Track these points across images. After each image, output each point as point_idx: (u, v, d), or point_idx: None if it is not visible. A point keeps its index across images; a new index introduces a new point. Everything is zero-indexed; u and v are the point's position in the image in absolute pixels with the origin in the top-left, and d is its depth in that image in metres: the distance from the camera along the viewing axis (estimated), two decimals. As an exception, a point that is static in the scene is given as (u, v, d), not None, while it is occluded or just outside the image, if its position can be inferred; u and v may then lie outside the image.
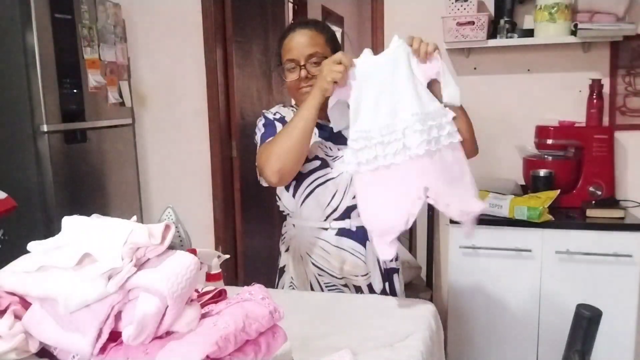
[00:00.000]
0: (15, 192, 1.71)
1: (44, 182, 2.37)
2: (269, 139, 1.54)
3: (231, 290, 1.14)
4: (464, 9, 2.42)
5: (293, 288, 1.69)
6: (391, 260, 1.65)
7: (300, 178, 1.59)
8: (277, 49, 1.61)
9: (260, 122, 1.66)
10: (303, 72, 1.52)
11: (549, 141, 2.40)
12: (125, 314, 0.89)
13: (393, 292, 1.65)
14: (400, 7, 2.67)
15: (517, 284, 2.22)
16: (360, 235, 1.59)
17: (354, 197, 1.53)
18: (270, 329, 0.96)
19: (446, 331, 2.26)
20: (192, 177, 3.08)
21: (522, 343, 2.25)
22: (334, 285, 1.63)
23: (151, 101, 3.10)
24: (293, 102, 1.72)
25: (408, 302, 1.49)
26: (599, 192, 2.34)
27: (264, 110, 1.69)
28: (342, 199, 1.56)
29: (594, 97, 2.40)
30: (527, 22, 2.52)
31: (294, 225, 1.66)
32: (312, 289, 1.65)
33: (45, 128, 2.34)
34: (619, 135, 2.47)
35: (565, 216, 2.22)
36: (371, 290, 1.62)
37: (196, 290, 0.99)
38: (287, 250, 1.70)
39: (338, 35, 5.76)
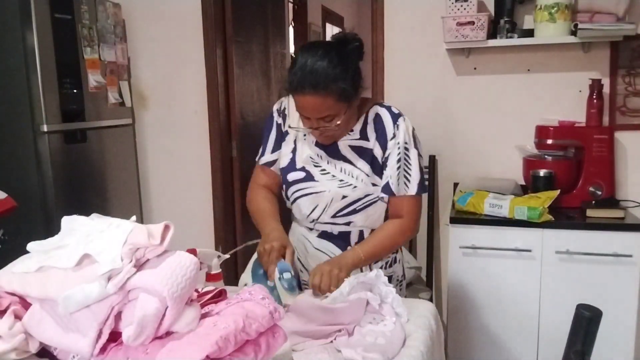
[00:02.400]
0: (15, 192, 1.71)
1: (44, 182, 2.37)
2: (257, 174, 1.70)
3: (231, 290, 1.14)
4: (464, 9, 2.42)
5: None
6: (380, 267, 1.62)
7: (287, 184, 1.63)
8: (288, 89, 1.50)
9: (267, 123, 1.69)
10: (317, 132, 1.51)
11: (549, 141, 2.40)
12: (125, 315, 0.89)
13: None
14: (400, 7, 2.67)
15: (517, 284, 2.22)
16: (342, 240, 1.60)
17: (333, 216, 1.57)
18: (270, 329, 0.96)
19: (446, 331, 2.26)
20: (192, 177, 3.08)
21: (522, 343, 2.25)
22: (304, 283, 1.65)
23: (151, 101, 3.10)
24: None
25: (408, 302, 1.48)
26: (599, 192, 2.34)
27: (275, 104, 1.70)
28: (321, 213, 1.58)
29: (594, 97, 2.40)
30: (527, 22, 2.52)
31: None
32: None
33: (45, 128, 2.34)
34: (619, 135, 2.47)
35: (565, 216, 2.22)
36: None
37: (196, 290, 0.99)
38: None
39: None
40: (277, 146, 1.66)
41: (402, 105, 2.79)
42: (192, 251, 1.25)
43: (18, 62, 2.30)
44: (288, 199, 1.66)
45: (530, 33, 2.42)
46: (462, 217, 2.27)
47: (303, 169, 1.58)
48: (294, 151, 1.62)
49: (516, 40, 2.43)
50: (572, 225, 2.16)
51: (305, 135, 1.60)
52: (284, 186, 1.65)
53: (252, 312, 0.93)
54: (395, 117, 1.55)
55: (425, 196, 2.73)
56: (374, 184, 1.55)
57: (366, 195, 1.55)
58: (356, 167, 1.55)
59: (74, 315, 0.89)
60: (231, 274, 3.10)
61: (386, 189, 1.55)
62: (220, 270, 1.40)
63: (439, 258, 2.80)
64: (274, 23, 3.64)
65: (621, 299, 2.11)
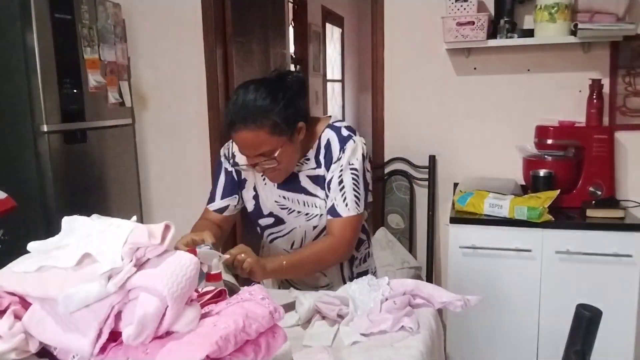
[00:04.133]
0: (15, 192, 1.71)
1: (44, 182, 2.37)
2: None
3: (231, 290, 1.14)
4: (464, 9, 2.42)
5: None
6: (359, 264, 1.68)
7: (260, 228, 1.68)
8: (225, 129, 1.50)
9: (216, 168, 1.69)
10: (258, 169, 1.49)
11: (549, 141, 2.40)
12: (125, 314, 0.89)
13: None
14: (400, 7, 2.67)
15: (517, 284, 2.22)
16: None
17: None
18: (270, 329, 0.96)
19: (446, 331, 2.26)
20: (192, 177, 3.08)
21: (522, 343, 2.25)
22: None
23: (151, 101, 3.10)
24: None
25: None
26: (599, 192, 2.34)
27: (222, 148, 1.68)
28: (300, 246, 1.61)
29: (594, 97, 2.40)
30: (527, 22, 2.52)
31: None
32: None
33: (45, 128, 2.34)
34: (619, 135, 2.47)
35: (565, 216, 2.22)
36: None
37: (196, 290, 0.99)
38: None
39: (338, 34, 5.77)
40: (228, 192, 1.65)
41: (401, 106, 2.79)
42: (192, 251, 1.25)
43: (18, 62, 2.30)
44: (262, 237, 1.71)
45: (530, 33, 2.42)
46: (462, 217, 2.28)
47: (271, 214, 1.61)
48: (256, 197, 1.62)
49: (516, 40, 2.43)
50: (572, 225, 2.16)
51: (265, 180, 1.59)
52: (257, 228, 1.69)
53: (252, 312, 0.93)
54: (344, 140, 1.51)
55: (425, 196, 2.75)
56: None
57: None
58: (317, 197, 1.55)
59: (74, 314, 0.89)
60: (231, 274, 3.10)
61: (332, 211, 1.52)
62: (220, 270, 1.40)
63: (439, 258, 2.80)
64: (274, 23, 3.64)
65: (621, 299, 2.11)
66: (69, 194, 2.50)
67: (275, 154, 1.43)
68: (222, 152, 1.67)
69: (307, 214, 1.56)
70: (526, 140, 2.54)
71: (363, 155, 1.52)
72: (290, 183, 1.56)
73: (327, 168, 1.53)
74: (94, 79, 2.61)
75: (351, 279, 1.56)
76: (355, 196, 1.51)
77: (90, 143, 2.64)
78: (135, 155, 3.10)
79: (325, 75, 5.33)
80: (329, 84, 5.53)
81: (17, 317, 0.96)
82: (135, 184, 3.09)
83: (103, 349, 0.90)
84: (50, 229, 2.28)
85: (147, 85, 3.08)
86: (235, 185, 1.65)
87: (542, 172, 2.35)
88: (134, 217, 1.01)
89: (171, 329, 0.89)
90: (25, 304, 0.98)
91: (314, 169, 1.55)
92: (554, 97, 2.54)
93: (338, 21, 5.66)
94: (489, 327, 2.28)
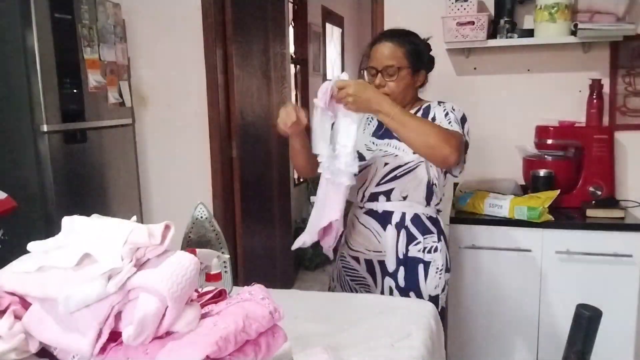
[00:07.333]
0: (15, 192, 1.71)
1: (44, 182, 2.37)
2: None
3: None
4: (464, 9, 2.42)
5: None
6: (419, 250, 1.74)
7: None
8: (367, 52, 1.78)
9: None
10: (377, 80, 1.70)
11: (549, 141, 2.40)
12: (125, 314, 0.89)
13: (413, 281, 1.73)
14: (400, 7, 2.67)
15: (517, 284, 2.22)
16: (383, 218, 1.75)
17: (377, 184, 1.74)
18: (270, 329, 0.96)
19: (446, 331, 2.26)
20: (192, 177, 3.08)
21: (522, 343, 2.25)
22: (344, 258, 1.85)
23: (151, 101, 3.10)
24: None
25: (408, 302, 1.49)
26: (599, 192, 2.34)
27: None
28: (367, 186, 1.75)
29: (594, 97, 2.40)
30: (527, 22, 2.52)
31: None
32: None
33: (45, 128, 2.34)
34: (619, 135, 2.47)
35: (565, 216, 2.22)
36: (383, 267, 1.75)
37: (196, 290, 0.99)
38: None
39: (338, 34, 5.78)
40: None
41: (402, 105, 2.72)
42: (192, 251, 1.25)
43: (18, 62, 2.30)
44: None
45: (530, 33, 2.42)
46: (462, 217, 2.28)
47: (357, 152, 1.72)
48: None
49: (516, 40, 2.43)
50: (572, 225, 2.16)
51: (364, 128, 1.82)
52: None
53: (252, 312, 0.93)
54: (441, 101, 1.77)
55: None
56: (414, 152, 1.67)
57: (406, 163, 1.69)
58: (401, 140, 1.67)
59: (74, 315, 0.89)
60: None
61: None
62: (220, 270, 1.40)
63: (439, 258, 2.80)
64: (274, 23, 3.64)
65: (621, 299, 2.11)
66: (69, 194, 2.50)
67: (398, 77, 1.69)
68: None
69: (385, 151, 1.72)
70: (526, 140, 2.54)
71: (464, 116, 1.72)
72: (384, 134, 1.75)
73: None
74: (94, 79, 2.61)
75: (401, 258, 1.72)
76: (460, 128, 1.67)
77: (90, 143, 2.63)
78: (135, 155, 3.10)
79: (325, 75, 5.32)
80: (329, 84, 5.52)
81: (17, 317, 0.96)
82: (135, 184, 3.09)
83: (103, 349, 0.90)
84: (50, 229, 2.28)
85: (147, 85, 3.08)
86: None
87: (542, 172, 2.35)
88: (134, 217, 1.01)
89: (171, 329, 0.89)
90: (25, 304, 0.98)
91: None
92: (554, 97, 2.54)
93: (338, 21, 5.66)
94: (489, 327, 2.28)
